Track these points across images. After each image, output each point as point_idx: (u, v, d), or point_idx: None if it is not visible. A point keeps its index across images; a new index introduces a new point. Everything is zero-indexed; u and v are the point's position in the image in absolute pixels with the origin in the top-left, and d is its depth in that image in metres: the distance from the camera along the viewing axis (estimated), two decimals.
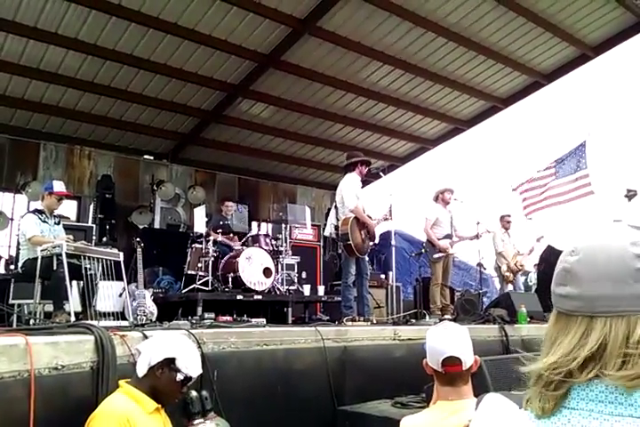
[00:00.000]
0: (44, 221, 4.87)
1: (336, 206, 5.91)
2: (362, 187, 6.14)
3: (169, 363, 2.26)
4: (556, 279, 0.80)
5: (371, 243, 6.00)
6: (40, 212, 4.91)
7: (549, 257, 8.05)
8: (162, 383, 2.26)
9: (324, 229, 9.16)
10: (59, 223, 5.07)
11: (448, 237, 6.96)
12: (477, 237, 7.35)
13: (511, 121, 10.85)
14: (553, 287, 0.81)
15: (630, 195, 7.96)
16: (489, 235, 7.82)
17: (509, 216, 8.58)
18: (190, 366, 2.29)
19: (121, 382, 2.30)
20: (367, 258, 6.08)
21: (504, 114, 9.77)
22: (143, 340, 2.73)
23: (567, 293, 0.77)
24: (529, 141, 12.55)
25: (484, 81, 8.81)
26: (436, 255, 6.80)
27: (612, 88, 11.76)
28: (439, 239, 6.86)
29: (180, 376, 2.26)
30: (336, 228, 5.77)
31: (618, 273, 0.73)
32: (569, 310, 0.77)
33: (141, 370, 2.27)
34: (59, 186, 5.04)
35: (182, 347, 2.35)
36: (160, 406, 2.27)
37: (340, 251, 6.00)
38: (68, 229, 5.32)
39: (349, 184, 5.81)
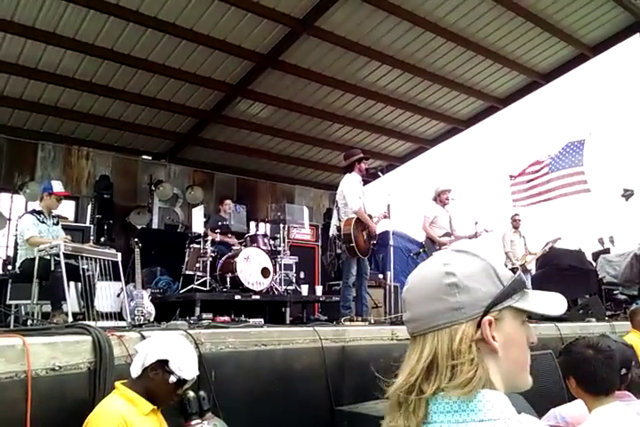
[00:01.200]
0: (43, 222, 4.85)
1: (337, 206, 5.89)
2: (363, 185, 6.12)
3: (162, 364, 2.24)
4: (403, 307, 0.89)
5: (372, 242, 5.99)
6: (38, 212, 4.89)
7: (547, 256, 8.05)
8: (155, 385, 2.24)
9: (322, 229, 9.16)
10: (57, 223, 5.05)
11: (447, 235, 6.96)
12: (476, 236, 7.34)
13: (509, 121, 10.84)
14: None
15: (627, 194, 7.97)
16: (488, 234, 7.80)
17: (518, 215, 8.57)
18: (184, 368, 2.26)
19: (117, 383, 2.28)
20: (366, 258, 6.08)
21: (502, 114, 9.78)
22: (141, 340, 2.72)
23: (405, 317, 0.87)
24: (527, 141, 12.56)
25: (482, 81, 8.82)
26: (435, 253, 6.78)
27: (611, 88, 11.77)
28: (439, 237, 6.86)
29: (172, 378, 2.23)
30: (338, 228, 5.76)
31: (432, 292, 0.82)
32: (410, 332, 0.86)
33: (135, 371, 2.26)
34: (58, 186, 5.02)
35: (177, 349, 2.32)
36: (156, 407, 2.26)
37: (339, 251, 5.99)
38: (65, 229, 5.31)
39: (350, 185, 5.79)
